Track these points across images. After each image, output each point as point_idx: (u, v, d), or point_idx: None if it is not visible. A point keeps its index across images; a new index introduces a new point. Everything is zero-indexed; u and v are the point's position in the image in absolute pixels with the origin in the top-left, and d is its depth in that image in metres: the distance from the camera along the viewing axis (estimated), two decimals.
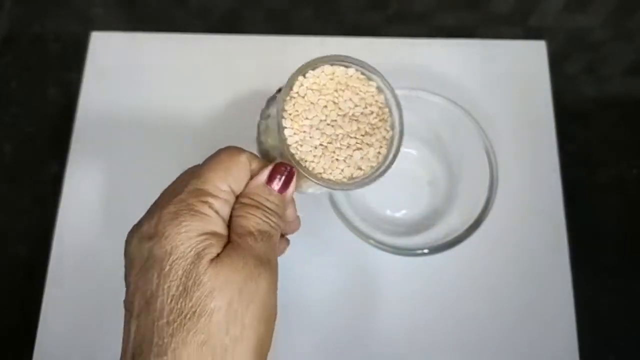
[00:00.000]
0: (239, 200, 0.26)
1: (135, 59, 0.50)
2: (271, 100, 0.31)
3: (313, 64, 0.28)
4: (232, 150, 0.27)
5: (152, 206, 0.26)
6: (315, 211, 0.41)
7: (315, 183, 0.28)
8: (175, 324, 0.22)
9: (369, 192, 0.45)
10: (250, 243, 0.25)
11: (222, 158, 0.26)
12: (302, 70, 0.28)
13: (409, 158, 0.46)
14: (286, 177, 0.27)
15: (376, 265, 0.43)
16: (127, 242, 0.25)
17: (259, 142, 0.32)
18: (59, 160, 0.47)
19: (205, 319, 0.22)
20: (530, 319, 0.42)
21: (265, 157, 0.31)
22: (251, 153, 0.28)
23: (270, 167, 0.27)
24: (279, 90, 0.29)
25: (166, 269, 0.23)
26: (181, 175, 0.29)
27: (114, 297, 0.43)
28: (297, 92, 0.28)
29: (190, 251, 0.23)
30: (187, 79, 0.50)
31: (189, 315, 0.22)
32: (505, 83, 0.49)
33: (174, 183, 0.28)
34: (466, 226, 0.38)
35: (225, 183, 0.26)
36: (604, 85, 0.51)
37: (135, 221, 0.45)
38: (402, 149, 0.47)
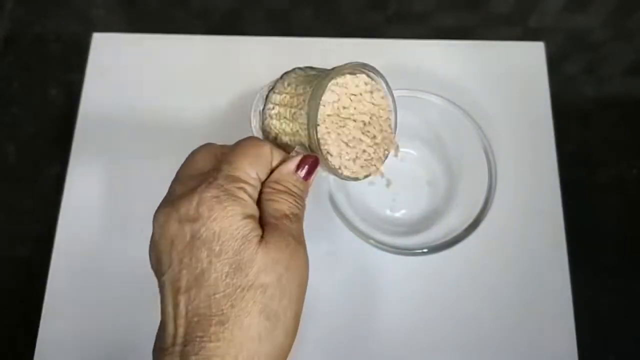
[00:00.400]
0: (270, 185, 0.29)
1: (136, 59, 0.51)
2: (278, 82, 0.33)
3: (340, 71, 0.31)
4: (256, 140, 0.29)
5: (179, 188, 0.28)
6: (315, 211, 0.41)
7: (335, 176, 0.32)
8: (234, 297, 0.25)
9: (369, 192, 0.45)
10: (287, 225, 0.28)
11: (249, 147, 0.29)
12: (332, 77, 0.30)
13: (409, 158, 0.46)
14: (311, 166, 0.30)
15: (376, 265, 0.43)
16: (163, 225, 0.27)
17: (266, 125, 0.33)
18: (60, 161, 0.47)
19: (260, 291, 0.25)
20: (530, 319, 0.42)
21: (272, 141, 0.33)
22: (271, 144, 0.30)
23: (299, 157, 0.30)
24: (285, 75, 0.33)
25: (217, 249, 0.25)
26: (199, 155, 0.30)
27: (114, 297, 0.43)
28: (328, 91, 0.31)
29: (238, 233, 0.26)
30: (188, 80, 0.50)
31: (246, 288, 0.25)
32: (504, 84, 0.49)
33: (194, 163, 0.29)
34: (465, 226, 0.39)
35: (254, 170, 0.28)
36: (604, 85, 0.51)
37: (137, 221, 0.45)
38: (402, 149, 0.47)
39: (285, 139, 0.32)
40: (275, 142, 0.33)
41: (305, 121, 0.30)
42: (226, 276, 0.25)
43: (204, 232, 0.25)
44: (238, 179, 0.27)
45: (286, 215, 0.28)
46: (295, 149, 0.31)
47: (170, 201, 0.27)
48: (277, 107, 0.32)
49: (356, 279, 0.43)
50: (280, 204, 0.28)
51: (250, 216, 0.27)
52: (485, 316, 0.42)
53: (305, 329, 0.42)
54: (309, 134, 0.30)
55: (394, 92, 0.33)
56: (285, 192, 0.29)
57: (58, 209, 0.45)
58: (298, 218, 0.29)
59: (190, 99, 0.49)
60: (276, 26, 0.53)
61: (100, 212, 0.45)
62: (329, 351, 0.41)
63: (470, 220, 0.39)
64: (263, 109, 0.33)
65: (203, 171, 0.28)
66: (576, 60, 0.52)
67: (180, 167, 0.30)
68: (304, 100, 0.30)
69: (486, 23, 0.53)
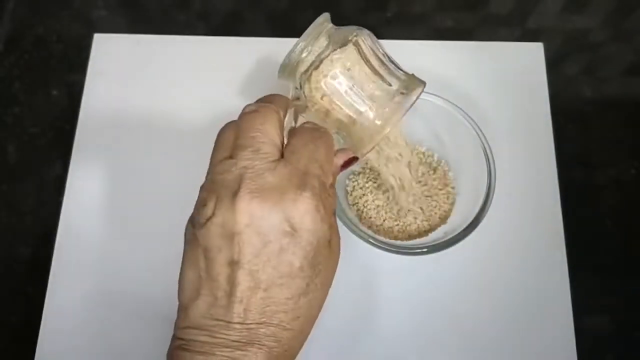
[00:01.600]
0: None
1: (137, 60, 0.51)
2: (351, 48, 0.35)
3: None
4: (333, 142, 0.31)
5: (270, 175, 0.28)
6: None
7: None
8: (310, 296, 0.28)
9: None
10: (335, 220, 0.30)
11: (331, 150, 0.31)
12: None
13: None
14: (348, 163, 0.33)
15: (375, 265, 0.44)
16: (260, 217, 0.27)
17: (328, 100, 0.32)
18: (61, 161, 0.47)
19: (326, 290, 0.29)
20: (529, 319, 0.42)
21: (314, 112, 0.33)
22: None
23: (348, 154, 0.33)
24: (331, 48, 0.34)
25: (309, 258, 0.27)
26: (269, 123, 0.30)
27: (117, 296, 0.43)
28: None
29: (324, 242, 0.28)
30: (189, 81, 0.50)
31: (320, 288, 0.28)
32: (503, 84, 0.49)
33: (267, 134, 0.29)
34: (464, 226, 0.39)
35: (332, 175, 0.31)
36: (603, 86, 0.51)
37: (138, 221, 0.46)
38: None
39: (340, 115, 0.32)
40: (318, 115, 0.33)
41: (382, 117, 0.32)
42: (310, 279, 0.28)
43: (301, 242, 0.27)
44: (326, 187, 0.29)
45: (334, 212, 0.30)
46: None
47: (267, 194, 0.27)
48: (347, 86, 0.32)
49: (355, 278, 0.43)
50: (333, 198, 0.30)
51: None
52: (485, 316, 0.43)
53: None
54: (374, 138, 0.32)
55: None
56: (333, 185, 0.31)
57: (59, 209, 0.45)
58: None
59: (191, 99, 0.49)
60: (277, 28, 0.53)
61: (101, 212, 0.46)
62: (328, 350, 0.42)
63: (469, 220, 0.39)
64: (317, 78, 0.32)
65: (278, 147, 0.29)
66: (575, 61, 0.52)
67: (250, 135, 0.29)
68: (387, 91, 0.33)
69: (485, 24, 0.53)
